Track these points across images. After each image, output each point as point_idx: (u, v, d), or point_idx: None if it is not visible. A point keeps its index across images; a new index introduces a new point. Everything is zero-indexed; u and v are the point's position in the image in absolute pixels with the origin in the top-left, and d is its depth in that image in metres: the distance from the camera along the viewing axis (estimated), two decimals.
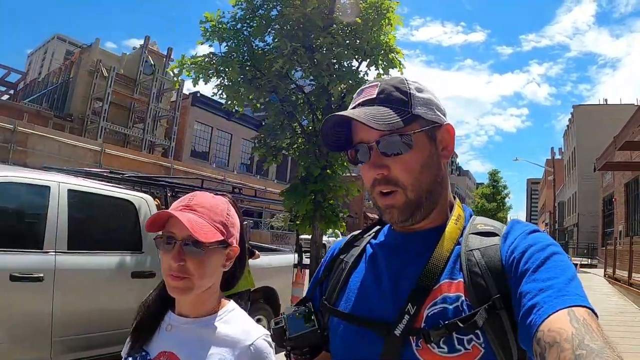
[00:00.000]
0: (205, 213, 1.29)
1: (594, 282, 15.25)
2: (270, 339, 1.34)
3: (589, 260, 26.97)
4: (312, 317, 1.15)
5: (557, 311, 0.76)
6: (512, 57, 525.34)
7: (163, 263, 1.27)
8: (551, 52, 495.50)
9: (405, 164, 1.03)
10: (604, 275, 16.69)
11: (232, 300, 1.44)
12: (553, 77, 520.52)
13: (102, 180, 5.78)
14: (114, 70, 27.85)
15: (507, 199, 48.04)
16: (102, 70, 27.89)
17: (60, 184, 4.09)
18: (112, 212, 4.74)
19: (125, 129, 28.68)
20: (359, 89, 1.14)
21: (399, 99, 1.04)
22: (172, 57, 31.56)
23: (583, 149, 37.39)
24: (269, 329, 1.22)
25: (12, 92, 43.63)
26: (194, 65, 7.85)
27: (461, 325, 0.90)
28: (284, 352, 1.17)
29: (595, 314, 0.79)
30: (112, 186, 5.21)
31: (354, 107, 1.08)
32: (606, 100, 45.15)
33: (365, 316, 1.04)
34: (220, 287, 1.41)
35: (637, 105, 19.27)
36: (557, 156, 56.90)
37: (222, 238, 1.30)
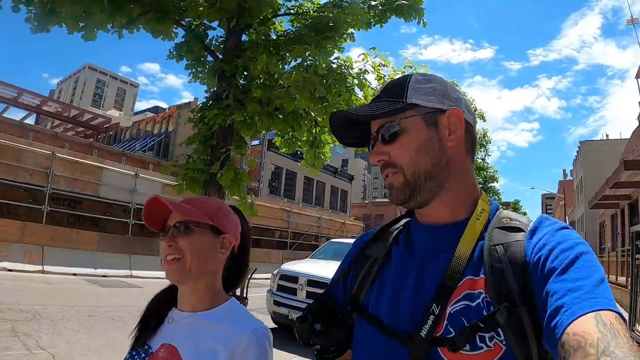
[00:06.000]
0: (194, 203, 1.42)
1: None
2: (269, 333, 1.38)
3: None
4: (339, 315, 1.15)
5: (584, 314, 0.75)
6: (520, 72, 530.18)
7: (161, 252, 1.37)
8: (559, 65, 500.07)
9: (400, 147, 1.08)
10: None
11: (233, 297, 1.48)
12: (563, 90, 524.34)
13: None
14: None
15: None
16: None
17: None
18: None
19: None
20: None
21: (395, 92, 1.11)
22: None
23: (589, 179, 43.17)
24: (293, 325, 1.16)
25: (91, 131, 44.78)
26: None
27: (482, 325, 0.90)
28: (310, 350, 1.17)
29: (623, 318, 0.77)
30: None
31: None
32: (607, 135, 52.71)
33: (390, 322, 1.04)
34: (224, 287, 1.49)
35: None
36: (569, 177, 63.25)
37: (210, 222, 1.40)
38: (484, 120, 28.72)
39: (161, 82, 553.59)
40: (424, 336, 0.95)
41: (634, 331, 6.65)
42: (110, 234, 19.48)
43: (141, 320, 1.47)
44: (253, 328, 1.35)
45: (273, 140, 40.09)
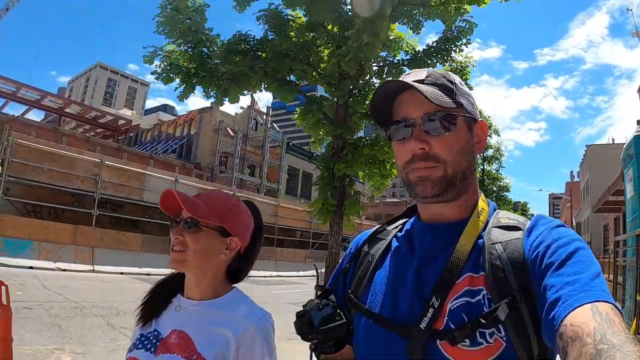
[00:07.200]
0: (207, 201, 1.45)
1: None
2: (272, 320, 1.44)
3: None
4: (339, 310, 1.14)
5: (581, 305, 0.77)
6: (527, 71, 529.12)
7: (171, 239, 1.43)
8: (566, 65, 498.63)
9: (447, 142, 1.06)
10: None
11: (237, 287, 1.54)
12: (570, 90, 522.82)
13: None
14: (241, 132, 36.09)
15: None
16: (228, 130, 36.11)
17: None
18: None
19: (241, 175, 36.59)
20: (405, 73, 1.19)
21: (445, 85, 1.09)
22: (270, 114, 40.37)
23: (594, 182, 43.96)
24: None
25: (118, 135, 44.36)
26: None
27: (484, 321, 0.92)
28: (308, 345, 1.16)
29: (619, 310, 0.78)
30: None
31: None
32: (613, 139, 53.65)
33: (390, 316, 1.06)
34: (229, 279, 1.54)
35: None
36: (577, 178, 64.19)
37: (219, 224, 1.43)
38: (498, 135, 30.44)
39: None
40: (423, 328, 0.96)
41: None
42: (154, 236, 21.19)
43: (146, 301, 1.52)
44: (258, 316, 1.41)
45: (290, 143, 42.29)
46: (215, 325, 1.39)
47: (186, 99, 9.94)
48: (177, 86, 9.92)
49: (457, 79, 1.14)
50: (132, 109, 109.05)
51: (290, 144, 42.20)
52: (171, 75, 9.75)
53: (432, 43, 11.16)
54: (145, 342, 1.43)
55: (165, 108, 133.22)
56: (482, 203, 1.14)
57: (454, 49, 10.88)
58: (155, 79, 10.02)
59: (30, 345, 6.68)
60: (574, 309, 0.77)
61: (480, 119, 1.16)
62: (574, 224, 52.82)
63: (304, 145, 57.90)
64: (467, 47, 10.83)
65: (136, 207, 22.02)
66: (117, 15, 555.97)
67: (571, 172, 70.77)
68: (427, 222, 1.15)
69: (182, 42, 9.79)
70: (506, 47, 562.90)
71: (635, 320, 6.75)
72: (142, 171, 22.07)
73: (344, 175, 10.51)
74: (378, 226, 1.34)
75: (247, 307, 1.45)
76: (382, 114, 1.14)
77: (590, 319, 0.74)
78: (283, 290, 18.39)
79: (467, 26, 10.58)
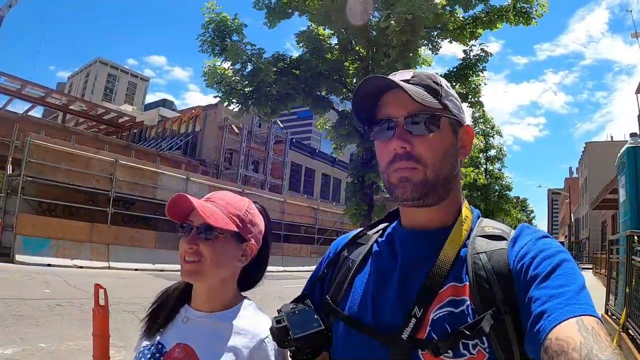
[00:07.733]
0: (222, 205, 1.36)
1: (586, 276, 28.42)
2: None
3: (592, 265, 34.86)
4: (316, 317, 1.11)
5: (566, 319, 0.76)
6: (527, 66, 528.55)
7: (180, 248, 1.32)
8: (566, 60, 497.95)
9: (430, 143, 1.03)
10: (593, 272, 27.52)
11: (247, 297, 1.45)
12: (569, 85, 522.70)
13: None
14: (246, 129, 36.63)
15: (533, 220, 57.54)
16: (233, 127, 36.62)
17: None
18: None
19: (246, 171, 37.08)
20: (391, 74, 1.13)
21: (430, 86, 1.06)
22: None
23: (593, 178, 44.56)
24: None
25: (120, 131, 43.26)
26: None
27: (468, 333, 0.90)
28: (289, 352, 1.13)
29: (604, 323, 0.78)
30: None
31: None
32: (612, 137, 54.13)
33: (371, 323, 1.03)
34: (240, 287, 1.45)
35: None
36: (575, 175, 64.59)
37: (236, 229, 1.34)
38: (501, 136, 31.42)
39: (168, 74, 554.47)
40: (405, 338, 0.95)
41: (608, 305, 9.71)
42: (165, 233, 21.74)
43: (151, 312, 1.44)
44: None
45: (294, 140, 42.82)
46: (224, 339, 1.31)
47: (241, 116, 12.44)
48: (235, 106, 12.20)
49: (443, 81, 1.12)
50: (132, 104, 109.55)
51: (294, 140, 42.82)
52: (231, 98, 11.99)
53: (453, 68, 12.96)
54: (149, 355, 1.34)
55: (164, 103, 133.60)
56: (466, 210, 1.12)
57: (472, 74, 12.55)
58: (219, 101, 12.38)
59: (73, 340, 7.07)
60: (560, 322, 0.77)
61: (466, 124, 1.14)
62: (573, 220, 53.42)
63: (304, 141, 58.38)
64: (483, 73, 12.54)
65: (148, 205, 22.58)
66: (115, 10, 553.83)
67: (570, 168, 71.96)
68: (409, 228, 1.14)
69: (238, 66, 11.93)
70: (505, 42, 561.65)
71: (625, 310, 7.49)
72: (155, 170, 22.71)
73: (373, 182, 12.10)
74: (358, 230, 1.31)
75: (258, 321, 1.37)
76: (365, 112, 1.12)
77: (576, 333, 0.74)
78: (293, 284, 18.90)
79: (483, 55, 12.46)
